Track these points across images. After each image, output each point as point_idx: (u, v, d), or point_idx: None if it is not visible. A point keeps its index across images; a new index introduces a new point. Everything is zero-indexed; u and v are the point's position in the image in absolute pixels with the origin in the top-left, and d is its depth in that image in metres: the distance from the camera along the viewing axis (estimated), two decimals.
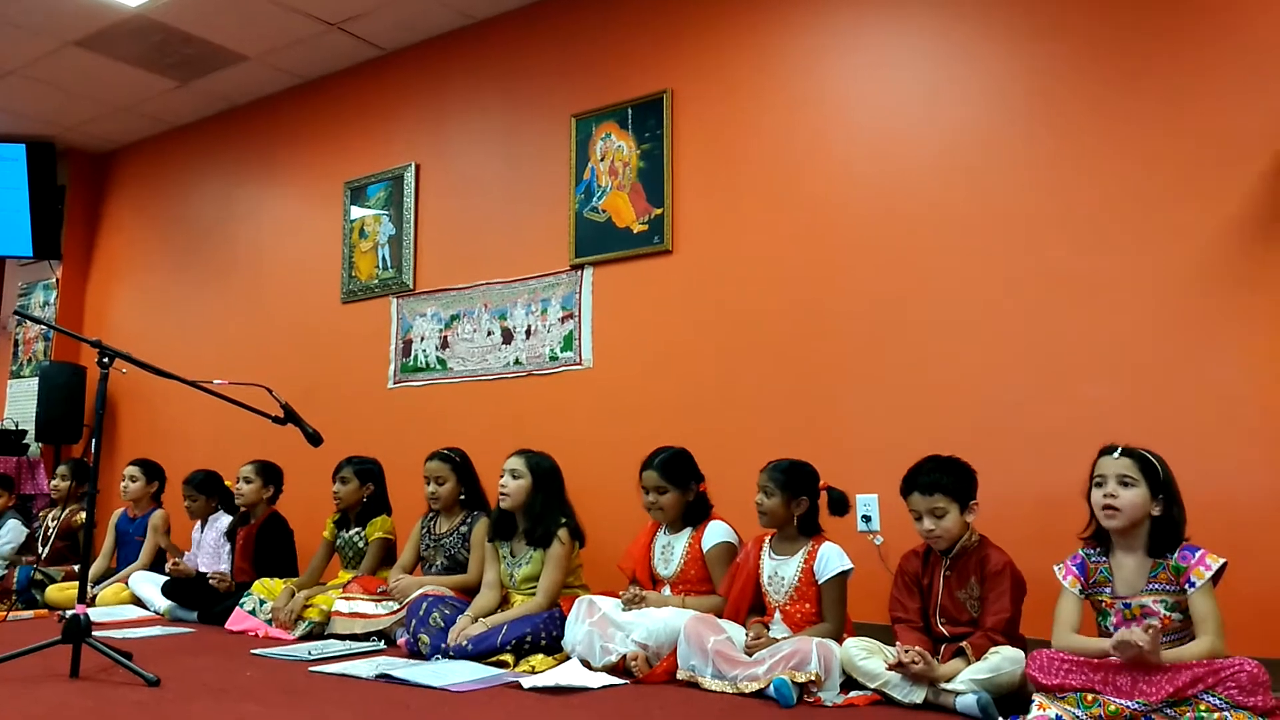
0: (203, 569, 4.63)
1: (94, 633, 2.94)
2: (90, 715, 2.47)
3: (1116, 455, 2.54)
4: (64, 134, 6.54)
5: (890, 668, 2.65)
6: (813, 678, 2.68)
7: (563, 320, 4.46)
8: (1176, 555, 2.47)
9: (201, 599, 4.30)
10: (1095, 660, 2.40)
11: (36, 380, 6.39)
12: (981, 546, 2.86)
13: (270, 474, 4.60)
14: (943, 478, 2.85)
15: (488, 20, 4.97)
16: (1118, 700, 2.30)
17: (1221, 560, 2.42)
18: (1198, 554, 2.45)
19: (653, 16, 4.40)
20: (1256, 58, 3.07)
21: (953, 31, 3.63)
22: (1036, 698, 2.41)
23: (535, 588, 3.49)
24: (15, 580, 4.87)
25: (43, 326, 6.82)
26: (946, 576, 2.87)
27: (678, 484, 3.42)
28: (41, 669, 2.97)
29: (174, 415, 5.93)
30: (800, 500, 3.13)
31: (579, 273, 4.43)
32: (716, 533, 3.38)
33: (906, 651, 2.62)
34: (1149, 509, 2.50)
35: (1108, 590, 2.56)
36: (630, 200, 4.32)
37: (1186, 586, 2.43)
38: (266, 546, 4.48)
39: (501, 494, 3.60)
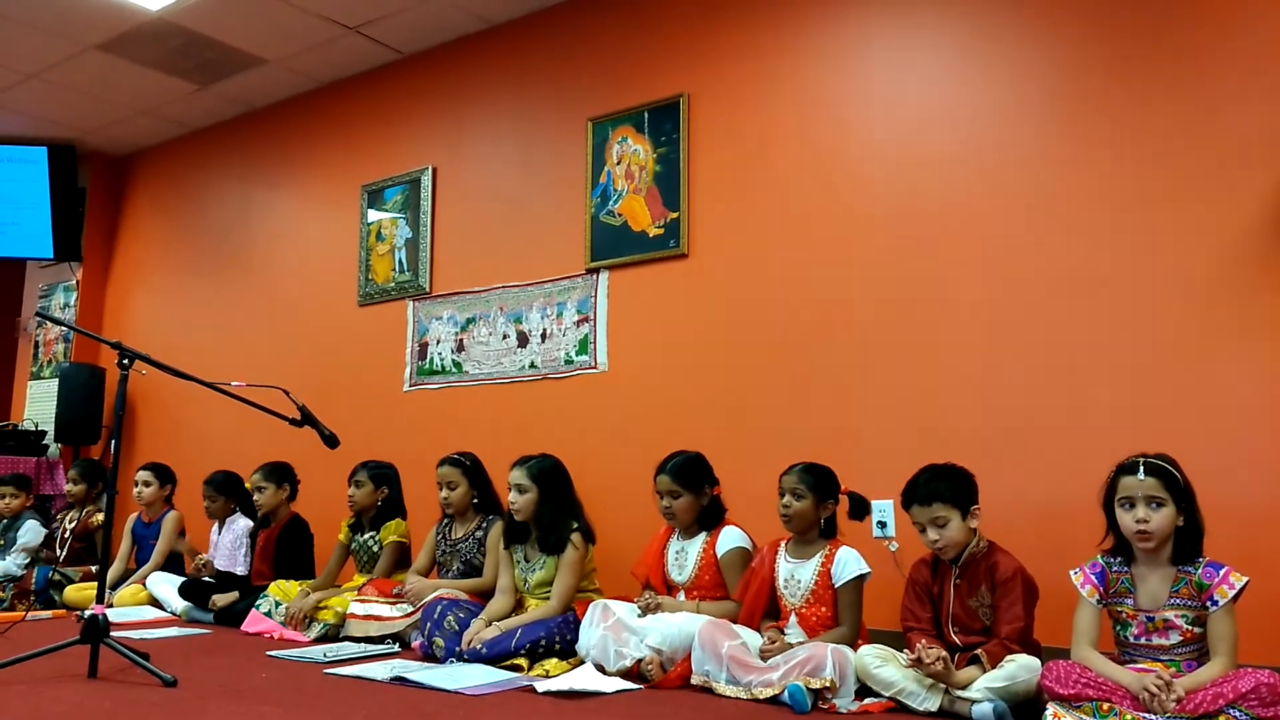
0: (219, 569, 4.65)
1: (112, 633, 2.96)
2: (108, 715, 2.49)
3: (1142, 475, 2.49)
4: (85, 137, 6.59)
5: (910, 664, 2.63)
6: (827, 684, 2.67)
7: (578, 324, 4.46)
8: (1200, 571, 2.44)
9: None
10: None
11: (56, 381, 6.44)
12: (990, 553, 2.84)
13: (282, 474, 4.61)
14: (940, 486, 2.84)
15: (505, 24, 4.99)
16: (1134, 711, 2.28)
17: (1244, 579, 2.40)
18: (1221, 572, 2.42)
19: (669, 20, 4.40)
20: (1267, 63, 3.04)
21: (967, 36, 3.61)
22: (1051, 706, 2.39)
23: (549, 592, 3.49)
24: (34, 581, 4.91)
25: (63, 328, 6.86)
26: (957, 585, 2.85)
27: (692, 488, 3.41)
28: (60, 669, 2.99)
29: (192, 417, 5.96)
30: (828, 504, 3.13)
31: (595, 276, 4.44)
32: (731, 538, 3.37)
33: (929, 649, 2.59)
34: (1176, 523, 2.48)
35: (1129, 601, 2.53)
36: (646, 204, 4.32)
37: (1209, 604, 2.41)
38: (286, 549, 4.49)
39: (512, 509, 3.60)
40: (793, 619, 3.09)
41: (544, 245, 4.64)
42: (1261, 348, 2.98)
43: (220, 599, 4.31)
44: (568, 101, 4.68)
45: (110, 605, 4.49)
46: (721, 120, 4.17)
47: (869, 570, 3.04)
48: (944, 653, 2.61)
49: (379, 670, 3.10)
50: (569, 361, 4.48)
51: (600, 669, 3.09)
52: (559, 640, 3.29)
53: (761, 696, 2.76)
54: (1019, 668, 2.57)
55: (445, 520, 4.08)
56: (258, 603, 4.14)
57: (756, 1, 4.13)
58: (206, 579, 4.54)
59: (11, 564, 5.07)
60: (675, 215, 4.21)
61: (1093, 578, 2.58)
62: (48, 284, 7.09)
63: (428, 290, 5.07)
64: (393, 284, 5.22)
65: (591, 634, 3.17)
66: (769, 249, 3.96)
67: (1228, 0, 3.13)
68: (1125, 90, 3.28)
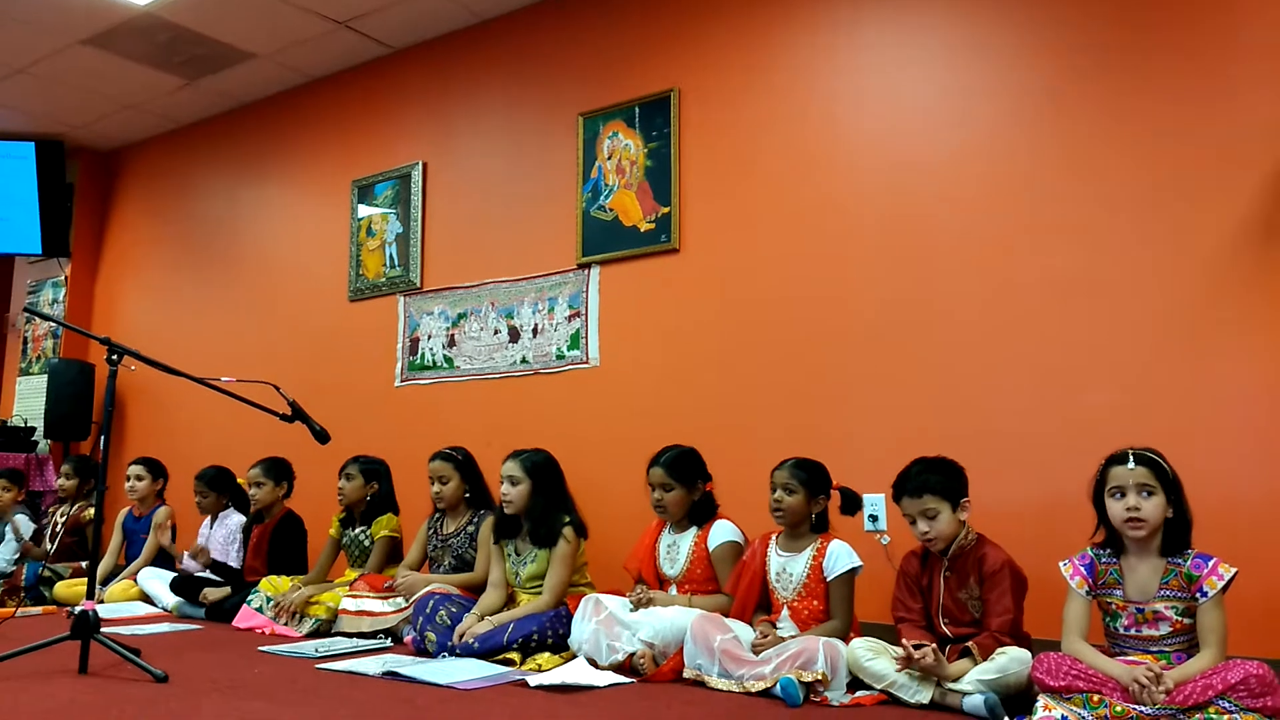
0: (214, 559, 4.64)
1: (102, 629, 2.95)
2: (99, 711, 2.48)
3: (1132, 465, 2.50)
4: (73, 132, 6.56)
5: (900, 668, 2.64)
6: (819, 677, 2.68)
7: (570, 319, 4.46)
8: (1190, 563, 2.45)
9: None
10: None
11: (45, 377, 6.41)
12: (979, 545, 2.85)
13: (280, 471, 4.60)
14: (930, 478, 2.85)
15: (495, 18, 4.98)
16: (1124, 702, 2.29)
17: (1233, 570, 2.41)
18: (1210, 563, 2.43)
19: (660, 14, 4.39)
20: (1262, 62, 3.05)
21: (961, 31, 3.62)
22: (1042, 698, 2.40)
23: (540, 586, 3.49)
24: (24, 577, 4.89)
25: (52, 324, 6.83)
26: (946, 577, 2.86)
27: (684, 482, 3.42)
28: (50, 665, 2.98)
29: (182, 412, 5.94)
30: (819, 499, 3.14)
31: (586, 271, 4.44)
32: (722, 532, 3.38)
33: (919, 647, 2.61)
34: (1166, 513, 2.49)
35: (1119, 593, 2.54)
36: (637, 199, 4.31)
37: (1198, 595, 2.42)
38: (280, 545, 4.49)
39: (505, 501, 3.60)
40: (785, 612, 3.10)
41: (535, 240, 4.64)
42: (1253, 345, 2.99)
43: (212, 593, 4.30)
44: (558, 96, 4.67)
45: (101, 601, 4.48)
46: (713, 115, 4.17)
47: (861, 564, 3.06)
48: (933, 645, 2.63)
49: (371, 665, 3.10)
50: (560, 357, 4.47)
51: (592, 663, 3.09)
52: (551, 634, 3.29)
53: (753, 690, 2.77)
54: (1010, 660, 2.58)
55: (437, 515, 4.08)
56: (249, 598, 4.13)
57: None
58: (199, 574, 4.53)
59: (1, 560, 5.05)
60: (666, 210, 4.21)
61: (1081, 569, 2.59)
62: (36, 280, 7.06)
63: (419, 285, 5.06)
64: (383, 279, 5.21)
65: (584, 628, 3.17)
66: (760, 244, 3.96)
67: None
68: (1119, 89, 3.28)
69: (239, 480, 4.75)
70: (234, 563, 4.59)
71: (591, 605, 3.21)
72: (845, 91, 3.85)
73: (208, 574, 4.55)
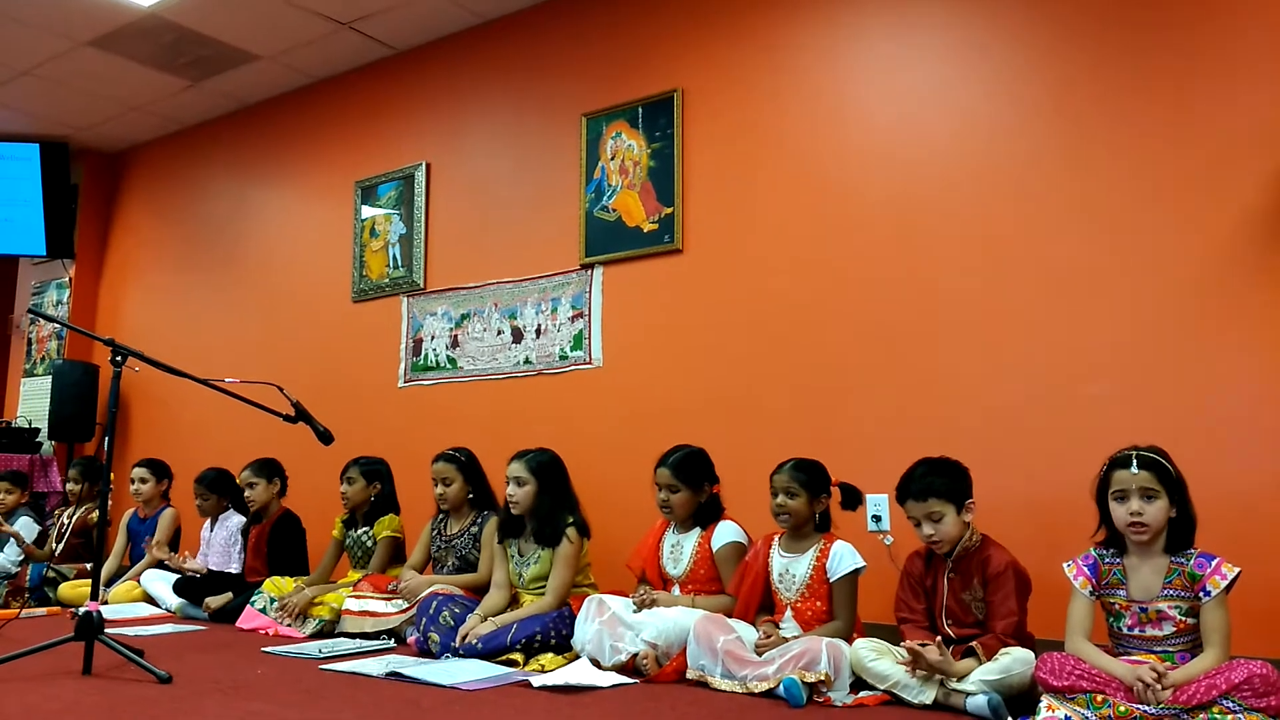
0: (213, 568, 4.64)
1: (106, 630, 2.95)
2: (102, 712, 2.48)
3: (1135, 469, 2.49)
4: (77, 134, 6.57)
5: (908, 669, 2.63)
6: (823, 678, 2.68)
7: (573, 319, 4.46)
8: (1193, 562, 2.45)
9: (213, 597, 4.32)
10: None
11: (49, 379, 6.42)
12: (983, 546, 2.85)
13: (271, 470, 4.61)
14: (935, 480, 2.84)
15: (499, 19, 4.98)
16: (1128, 702, 2.29)
17: (1236, 570, 2.41)
18: (1214, 562, 2.43)
19: (664, 15, 4.39)
20: (1261, 62, 3.05)
21: (964, 31, 3.62)
22: (1045, 699, 2.40)
23: (544, 587, 3.49)
24: (28, 578, 4.90)
25: (56, 325, 6.85)
26: (950, 578, 2.86)
27: (690, 484, 3.42)
28: (54, 666, 2.99)
29: (186, 413, 5.95)
30: (821, 498, 3.13)
31: (589, 272, 4.44)
32: (726, 532, 3.38)
33: (925, 646, 2.60)
34: (1169, 515, 2.49)
35: (1122, 593, 2.54)
36: (640, 199, 4.31)
37: (1201, 595, 2.42)
38: (279, 544, 4.50)
39: (511, 502, 3.60)
40: (788, 613, 3.09)
41: (538, 241, 4.64)
42: (1253, 340, 2.99)
43: (214, 601, 4.30)
44: (562, 97, 4.67)
45: (105, 602, 4.49)
46: (716, 116, 4.17)
47: (864, 564, 3.05)
48: (937, 640, 2.62)
49: (374, 666, 3.10)
50: (563, 357, 4.48)
51: (596, 663, 3.09)
52: (554, 635, 3.29)
53: (757, 690, 2.76)
54: (1014, 660, 2.58)
55: (440, 516, 4.08)
56: (253, 599, 4.14)
57: None
58: (194, 574, 4.54)
59: (5, 560, 5.06)
60: (670, 211, 4.21)
61: (1085, 570, 2.58)
62: (40, 281, 7.07)
63: (422, 286, 5.06)
64: (387, 280, 5.22)
65: (587, 629, 3.17)
66: (763, 244, 3.96)
67: None
68: (1120, 84, 3.28)
69: (239, 482, 4.76)
70: (235, 564, 4.60)
71: (595, 606, 3.21)
72: (848, 92, 3.85)
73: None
